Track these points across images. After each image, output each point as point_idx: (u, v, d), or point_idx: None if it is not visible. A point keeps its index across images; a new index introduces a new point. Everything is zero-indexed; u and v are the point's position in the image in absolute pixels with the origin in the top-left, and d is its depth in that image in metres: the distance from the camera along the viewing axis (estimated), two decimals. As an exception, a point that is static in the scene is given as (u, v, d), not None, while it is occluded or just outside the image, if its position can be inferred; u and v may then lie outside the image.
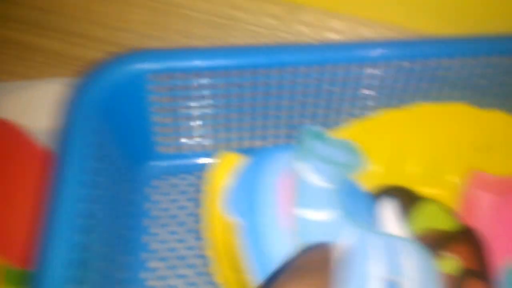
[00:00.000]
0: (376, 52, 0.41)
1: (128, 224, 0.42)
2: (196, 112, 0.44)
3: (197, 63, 0.40)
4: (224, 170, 0.38)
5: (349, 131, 0.42)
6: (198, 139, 0.46)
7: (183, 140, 0.46)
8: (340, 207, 0.36)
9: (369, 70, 0.42)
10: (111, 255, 0.38)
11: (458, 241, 0.37)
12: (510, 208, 0.38)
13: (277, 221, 0.36)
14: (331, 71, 0.42)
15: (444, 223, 0.39)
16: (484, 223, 0.39)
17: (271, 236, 0.35)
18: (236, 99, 0.43)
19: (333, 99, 0.44)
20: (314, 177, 0.38)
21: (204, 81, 0.41)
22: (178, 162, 0.46)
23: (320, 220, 0.36)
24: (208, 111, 0.44)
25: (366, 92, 0.44)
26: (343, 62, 0.42)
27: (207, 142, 0.46)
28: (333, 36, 0.52)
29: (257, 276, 0.34)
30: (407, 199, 0.40)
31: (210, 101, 0.43)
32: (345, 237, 0.35)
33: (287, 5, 0.52)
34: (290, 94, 0.43)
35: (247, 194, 0.37)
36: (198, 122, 0.44)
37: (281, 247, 0.35)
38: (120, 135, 0.42)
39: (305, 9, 0.52)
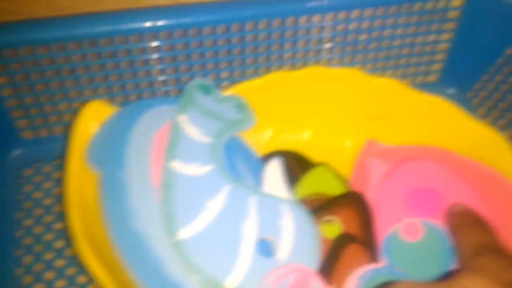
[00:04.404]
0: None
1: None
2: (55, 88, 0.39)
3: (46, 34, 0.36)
4: (90, 119, 0.35)
5: (239, 89, 0.39)
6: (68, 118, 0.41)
7: (50, 120, 0.41)
8: (215, 162, 0.34)
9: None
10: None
11: (342, 205, 0.35)
12: (398, 177, 0.37)
13: (146, 176, 0.33)
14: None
15: (331, 188, 0.37)
16: (373, 191, 0.37)
17: (134, 192, 0.32)
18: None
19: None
20: (192, 129, 0.35)
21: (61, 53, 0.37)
22: (48, 146, 0.42)
23: (190, 173, 0.33)
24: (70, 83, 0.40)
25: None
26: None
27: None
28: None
29: (114, 230, 0.31)
30: (297, 163, 0.39)
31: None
32: (217, 193, 0.33)
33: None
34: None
35: (115, 146, 0.33)
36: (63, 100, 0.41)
37: (146, 203, 0.32)
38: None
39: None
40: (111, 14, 0.38)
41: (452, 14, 0.44)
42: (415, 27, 0.44)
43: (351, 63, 0.45)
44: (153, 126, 0.35)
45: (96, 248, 0.30)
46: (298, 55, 0.43)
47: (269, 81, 0.39)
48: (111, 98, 0.41)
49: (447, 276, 0.27)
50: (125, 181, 0.32)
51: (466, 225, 0.31)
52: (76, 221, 0.31)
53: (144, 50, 0.39)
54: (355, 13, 0.42)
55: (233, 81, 0.43)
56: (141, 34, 0.38)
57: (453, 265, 0.32)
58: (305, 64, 0.44)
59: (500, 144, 0.36)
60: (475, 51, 0.45)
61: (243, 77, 0.43)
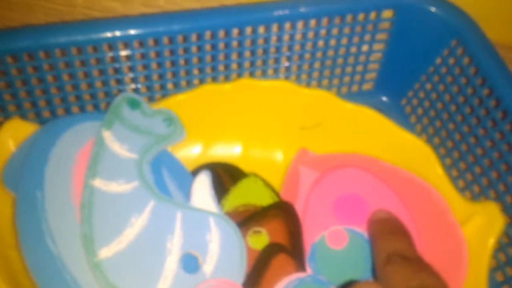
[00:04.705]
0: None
1: None
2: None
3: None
4: (9, 138, 0.34)
5: (169, 103, 0.38)
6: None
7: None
8: (140, 179, 0.33)
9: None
10: None
11: (270, 216, 0.35)
12: (326, 185, 0.37)
13: (66, 196, 0.32)
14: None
15: (261, 199, 0.37)
16: (303, 199, 0.37)
17: (52, 212, 0.31)
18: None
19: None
20: (116, 145, 0.34)
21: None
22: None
23: (113, 191, 0.32)
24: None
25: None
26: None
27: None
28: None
29: (29, 253, 0.30)
30: (228, 174, 0.38)
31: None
32: (142, 210, 0.32)
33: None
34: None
35: (33, 165, 0.32)
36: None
37: (65, 224, 0.31)
38: None
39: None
40: (34, 28, 0.37)
41: (384, 25, 0.44)
42: (348, 38, 0.44)
43: (287, 74, 0.45)
44: (76, 143, 0.34)
45: (11, 274, 0.29)
46: (233, 66, 0.43)
47: (199, 94, 0.39)
48: (36, 114, 0.40)
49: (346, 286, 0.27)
50: (42, 201, 0.31)
51: (384, 232, 0.31)
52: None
53: (69, 64, 0.38)
54: (288, 25, 0.42)
55: (165, 94, 0.43)
56: (65, 48, 0.37)
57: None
58: (239, 75, 0.44)
59: (425, 152, 0.37)
60: (407, 60, 0.46)
61: (176, 89, 0.43)
